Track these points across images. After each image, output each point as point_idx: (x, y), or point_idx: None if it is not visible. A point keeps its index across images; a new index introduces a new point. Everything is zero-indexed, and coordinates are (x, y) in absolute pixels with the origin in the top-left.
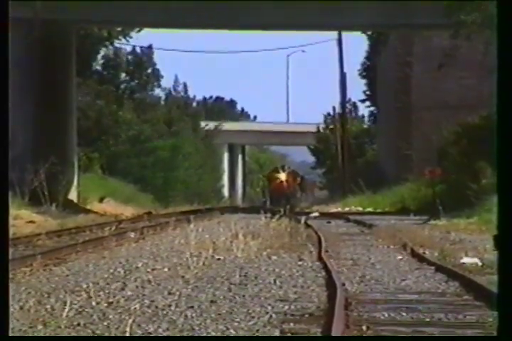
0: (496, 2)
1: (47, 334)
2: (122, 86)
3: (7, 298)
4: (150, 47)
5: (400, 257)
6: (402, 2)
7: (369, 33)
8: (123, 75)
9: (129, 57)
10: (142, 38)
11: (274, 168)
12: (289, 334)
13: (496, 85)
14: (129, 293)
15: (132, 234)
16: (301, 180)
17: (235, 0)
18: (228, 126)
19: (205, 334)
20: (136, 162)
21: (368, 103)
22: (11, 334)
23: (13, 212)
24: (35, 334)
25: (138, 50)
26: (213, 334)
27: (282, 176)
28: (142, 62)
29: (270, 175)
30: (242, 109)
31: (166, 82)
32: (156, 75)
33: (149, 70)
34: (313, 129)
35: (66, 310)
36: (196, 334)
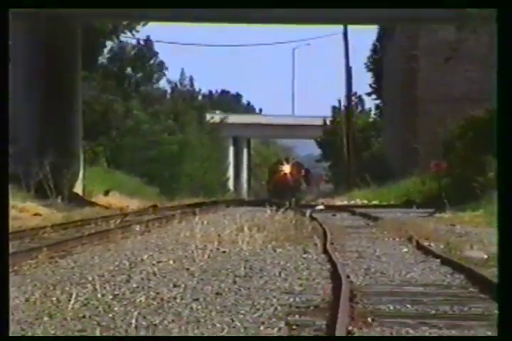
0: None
1: (53, 326)
2: (128, 79)
3: (7, 298)
4: (154, 40)
5: (406, 250)
6: None
7: (375, 26)
8: (129, 69)
9: (135, 49)
10: (148, 31)
11: (277, 160)
12: (295, 327)
13: (496, 80)
14: (135, 285)
15: (138, 227)
16: (306, 173)
17: None
18: (233, 119)
19: (210, 326)
20: (142, 155)
21: (374, 96)
22: (16, 326)
23: (18, 204)
24: (41, 326)
25: (143, 43)
26: (218, 326)
27: (286, 168)
28: (146, 54)
29: (273, 167)
30: (248, 102)
31: (173, 76)
32: (161, 66)
33: (152, 61)
34: (319, 122)
35: (72, 302)
36: (201, 326)
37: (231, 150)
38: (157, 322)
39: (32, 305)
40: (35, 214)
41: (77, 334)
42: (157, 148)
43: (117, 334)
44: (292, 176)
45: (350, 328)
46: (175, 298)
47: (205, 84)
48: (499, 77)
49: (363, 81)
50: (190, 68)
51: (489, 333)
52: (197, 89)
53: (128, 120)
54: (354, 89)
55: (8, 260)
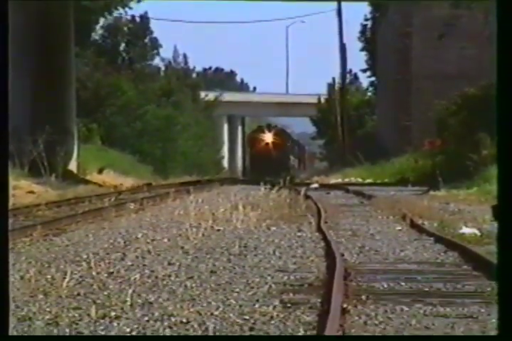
0: None
1: (47, 304)
2: (121, 56)
3: (7, 298)
4: (148, 16)
5: (399, 228)
6: None
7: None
8: (122, 45)
9: (128, 26)
10: (141, 8)
11: (257, 127)
12: (289, 305)
13: (496, 57)
14: (129, 263)
15: (132, 205)
16: (292, 143)
17: None
18: (228, 97)
19: (205, 304)
20: (134, 133)
21: (368, 73)
22: (11, 304)
23: (12, 182)
24: (37, 304)
25: (137, 19)
26: (213, 304)
27: (268, 137)
28: (140, 31)
29: (253, 135)
30: (242, 80)
31: (166, 53)
32: (155, 44)
33: (147, 39)
34: (314, 100)
35: (66, 280)
36: (196, 304)
37: (225, 128)
38: (152, 299)
39: (27, 283)
40: (29, 192)
41: (71, 312)
42: (148, 124)
43: (113, 313)
44: (276, 147)
45: (344, 306)
46: (169, 276)
47: (198, 62)
48: (499, 51)
49: (359, 57)
50: (183, 45)
51: (482, 310)
52: (191, 67)
53: (120, 97)
54: (349, 65)
55: (8, 259)
